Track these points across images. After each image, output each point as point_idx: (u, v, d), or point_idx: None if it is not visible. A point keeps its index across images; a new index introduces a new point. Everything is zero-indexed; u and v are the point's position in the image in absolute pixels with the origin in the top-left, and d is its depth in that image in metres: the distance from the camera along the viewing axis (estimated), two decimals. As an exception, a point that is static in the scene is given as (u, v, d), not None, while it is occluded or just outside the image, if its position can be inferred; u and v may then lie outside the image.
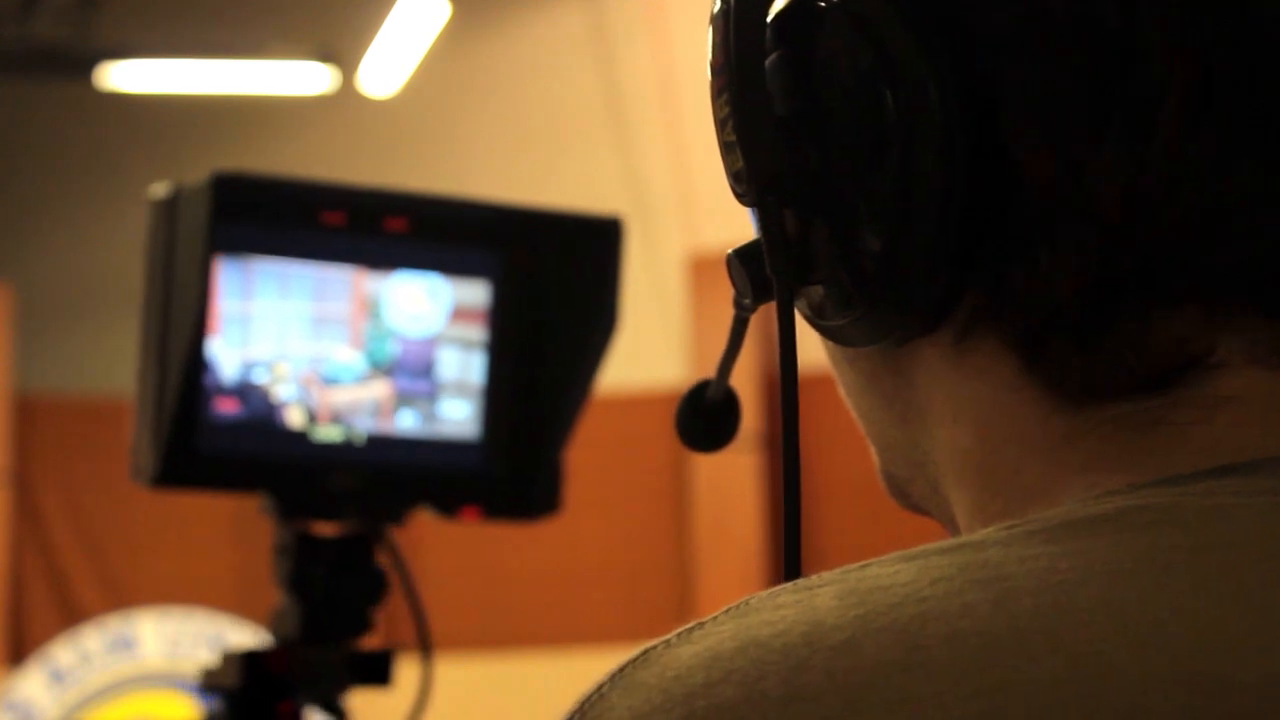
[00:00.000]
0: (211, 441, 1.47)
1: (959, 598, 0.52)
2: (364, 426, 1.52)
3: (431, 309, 1.54)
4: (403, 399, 1.53)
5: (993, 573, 0.52)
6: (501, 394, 1.55)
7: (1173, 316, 0.57)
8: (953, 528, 0.63)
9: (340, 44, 7.32)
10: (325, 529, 1.52)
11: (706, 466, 6.97)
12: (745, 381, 5.97)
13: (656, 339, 7.30)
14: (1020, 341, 0.59)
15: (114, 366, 8.22)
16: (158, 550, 7.57)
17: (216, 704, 1.50)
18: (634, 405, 7.01)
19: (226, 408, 1.47)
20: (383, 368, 1.52)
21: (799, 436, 0.62)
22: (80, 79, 7.16)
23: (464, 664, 6.64)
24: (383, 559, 1.54)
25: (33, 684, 6.77)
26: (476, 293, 1.55)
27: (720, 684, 0.51)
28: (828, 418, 6.35)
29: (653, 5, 7.31)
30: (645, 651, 0.54)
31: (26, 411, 7.50)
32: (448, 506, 1.56)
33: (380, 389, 1.53)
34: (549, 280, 1.56)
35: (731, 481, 6.98)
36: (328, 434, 1.51)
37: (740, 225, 0.65)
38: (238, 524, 7.67)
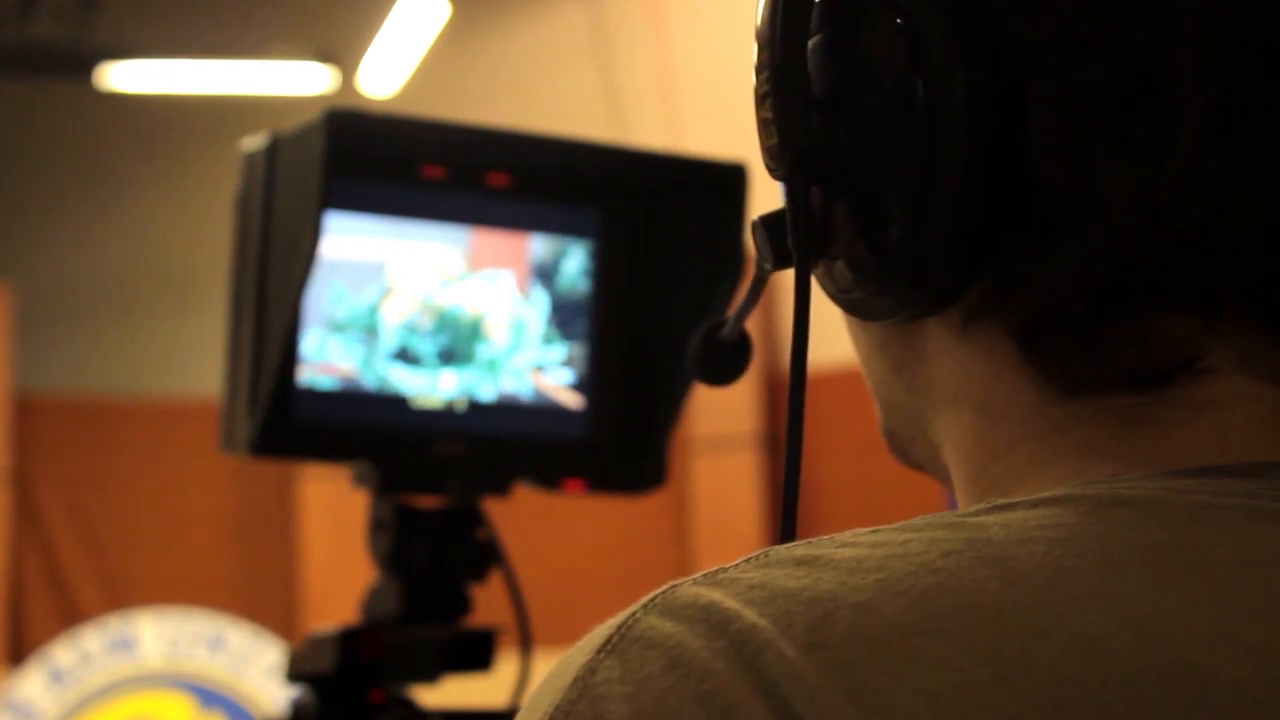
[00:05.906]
0: (310, 409, 1.39)
1: (969, 574, 0.55)
2: (464, 392, 1.44)
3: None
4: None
5: (996, 552, 0.56)
6: (608, 359, 1.48)
7: (1171, 321, 0.60)
8: (949, 485, 0.68)
9: (340, 44, 7.33)
10: (424, 501, 1.43)
11: (706, 467, 6.96)
12: (747, 382, 5.95)
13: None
14: (1021, 332, 0.62)
15: (114, 366, 8.24)
16: (157, 550, 7.58)
17: (303, 694, 1.40)
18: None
19: (326, 373, 1.39)
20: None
21: (805, 392, 0.66)
22: (80, 79, 7.17)
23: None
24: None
25: (32, 684, 6.77)
26: (582, 250, 1.47)
27: (756, 617, 0.55)
28: (827, 421, 6.34)
29: (653, 5, 7.31)
30: (672, 586, 0.57)
31: (26, 411, 7.50)
32: (550, 478, 1.47)
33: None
34: (661, 234, 1.48)
35: (731, 482, 6.98)
36: (428, 401, 1.42)
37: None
38: (238, 524, 7.67)
